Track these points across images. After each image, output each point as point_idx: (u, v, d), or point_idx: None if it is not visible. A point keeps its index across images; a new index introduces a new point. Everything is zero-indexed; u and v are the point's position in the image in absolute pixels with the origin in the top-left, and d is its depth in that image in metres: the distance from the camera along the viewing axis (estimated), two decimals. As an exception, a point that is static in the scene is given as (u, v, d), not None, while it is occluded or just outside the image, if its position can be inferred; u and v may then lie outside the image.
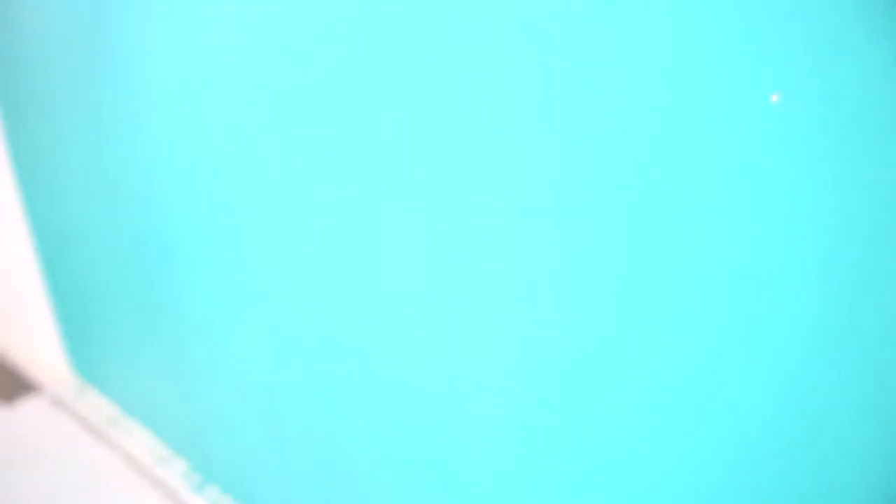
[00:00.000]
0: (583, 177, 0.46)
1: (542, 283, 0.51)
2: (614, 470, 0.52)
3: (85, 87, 0.89)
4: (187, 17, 0.70)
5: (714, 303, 0.43)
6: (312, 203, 0.66)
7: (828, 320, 0.39)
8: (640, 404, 0.49)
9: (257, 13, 0.62)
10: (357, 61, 0.56)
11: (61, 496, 1.04)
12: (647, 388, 0.48)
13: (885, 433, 0.39)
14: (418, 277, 0.60)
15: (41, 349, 1.31)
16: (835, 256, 0.38)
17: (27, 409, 1.23)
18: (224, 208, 0.77)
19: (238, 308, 0.83)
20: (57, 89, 0.94)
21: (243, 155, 0.72)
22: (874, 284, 0.37)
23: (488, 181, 0.51)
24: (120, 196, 0.93)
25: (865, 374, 0.39)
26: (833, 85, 0.36)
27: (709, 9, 0.39)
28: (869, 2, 0.34)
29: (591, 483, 0.54)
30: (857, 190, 0.36)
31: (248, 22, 0.64)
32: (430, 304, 0.60)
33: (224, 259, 0.82)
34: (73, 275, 1.11)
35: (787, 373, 0.42)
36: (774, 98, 0.38)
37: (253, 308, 0.81)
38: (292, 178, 0.67)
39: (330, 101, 0.59)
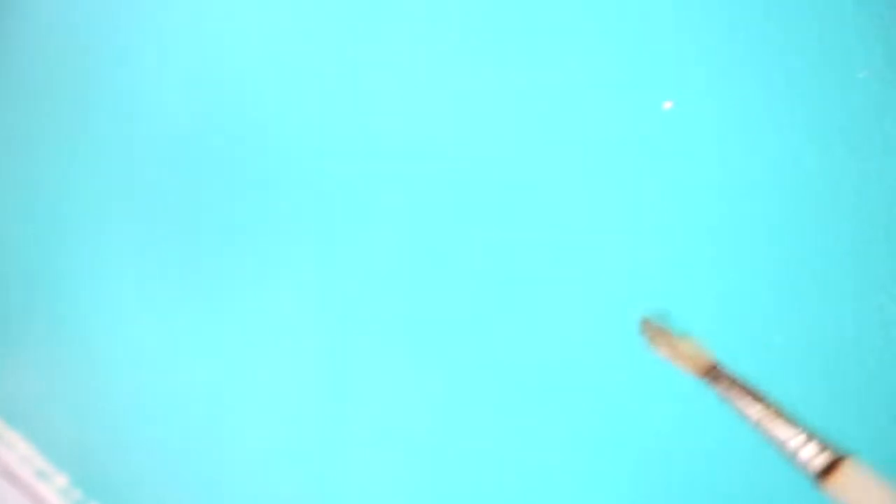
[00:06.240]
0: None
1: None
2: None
3: None
4: None
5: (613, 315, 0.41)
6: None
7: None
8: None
9: None
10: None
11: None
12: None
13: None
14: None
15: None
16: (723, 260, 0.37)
17: None
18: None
19: (132, 315, 0.78)
20: None
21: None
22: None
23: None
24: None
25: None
26: (723, 93, 0.35)
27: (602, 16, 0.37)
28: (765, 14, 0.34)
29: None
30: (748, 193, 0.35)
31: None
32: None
33: (120, 258, 0.76)
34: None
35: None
36: (667, 105, 0.36)
37: (147, 314, 0.76)
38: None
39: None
